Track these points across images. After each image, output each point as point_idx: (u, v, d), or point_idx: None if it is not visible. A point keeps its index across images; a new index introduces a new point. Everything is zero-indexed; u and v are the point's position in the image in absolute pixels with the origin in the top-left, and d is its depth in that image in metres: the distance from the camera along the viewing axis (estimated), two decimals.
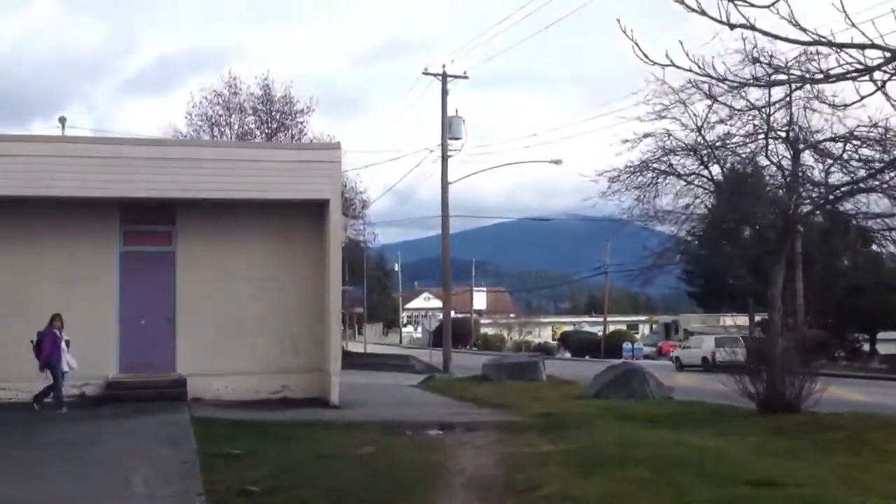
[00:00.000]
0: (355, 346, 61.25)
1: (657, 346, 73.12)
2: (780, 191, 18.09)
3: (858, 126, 16.15)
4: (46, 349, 15.70)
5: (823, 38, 8.76)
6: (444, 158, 39.76)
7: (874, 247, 25.37)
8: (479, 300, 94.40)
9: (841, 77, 9.47)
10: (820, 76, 9.44)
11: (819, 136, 17.64)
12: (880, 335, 49.20)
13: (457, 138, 39.79)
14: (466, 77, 39.96)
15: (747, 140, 17.95)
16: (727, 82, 9.77)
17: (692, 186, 18.16)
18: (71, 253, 17.29)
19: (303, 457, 11.17)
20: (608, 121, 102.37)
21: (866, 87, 8.69)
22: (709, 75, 9.61)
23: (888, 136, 14.30)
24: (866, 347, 49.34)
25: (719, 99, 16.07)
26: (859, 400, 26.43)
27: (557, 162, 39.38)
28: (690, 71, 9.54)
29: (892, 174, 15.72)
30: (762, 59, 9.92)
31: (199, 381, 17.70)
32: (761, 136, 17.53)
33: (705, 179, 18.13)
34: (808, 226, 22.46)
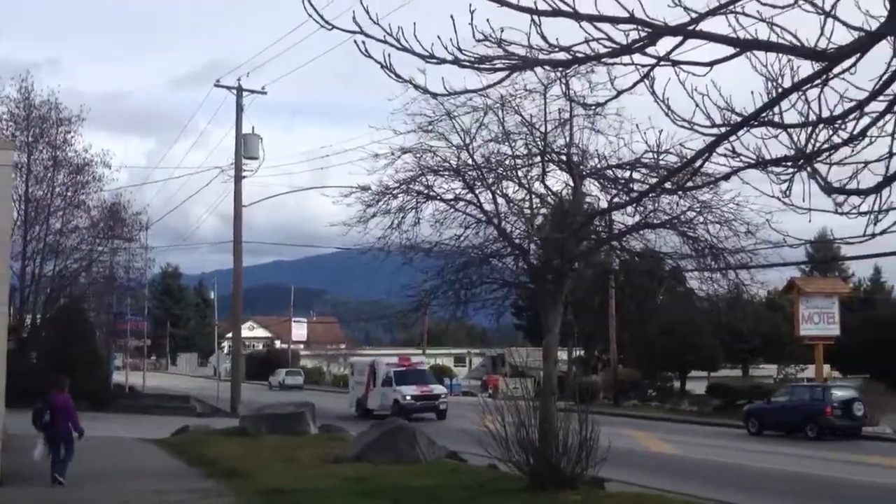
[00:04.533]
0: (153, 380, 55.65)
1: (482, 380, 71.19)
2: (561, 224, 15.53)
3: (646, 152, 13.83)
4: (73, 415, 14.68)
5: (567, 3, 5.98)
6: (238, 179, 36.17)
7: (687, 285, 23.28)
8: (300, 331, 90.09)
9: (586, 59, 6.79)
10: (561, 56, 6.67)
11: (605, 163, 15.29)
12: (691, 374, 48.98)
13: (254, 158, 36.28)
14: (265, 93, 36.63)
15: (525, 163, 15.32)
16: (430, 61, 6.85)
17: (458, 213, 15.30)
18: None
19: None
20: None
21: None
22: (410, 51, 6.73)
23: (662, 158, 11.83)
24: (678, 385, 48.89)
25: (483, 109, 13.35)
26: (664, 453, 24.81)
27: (365, 188, 36.08)
28: (386, 42, 6.69)
29: (675, 206, 13.43)
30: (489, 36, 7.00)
31: None
32: (537, 158, 14.94)
33: (474, 207, 15.32)
34: (622, 264, 20.28)
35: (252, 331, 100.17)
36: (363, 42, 6.42)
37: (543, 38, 6.35)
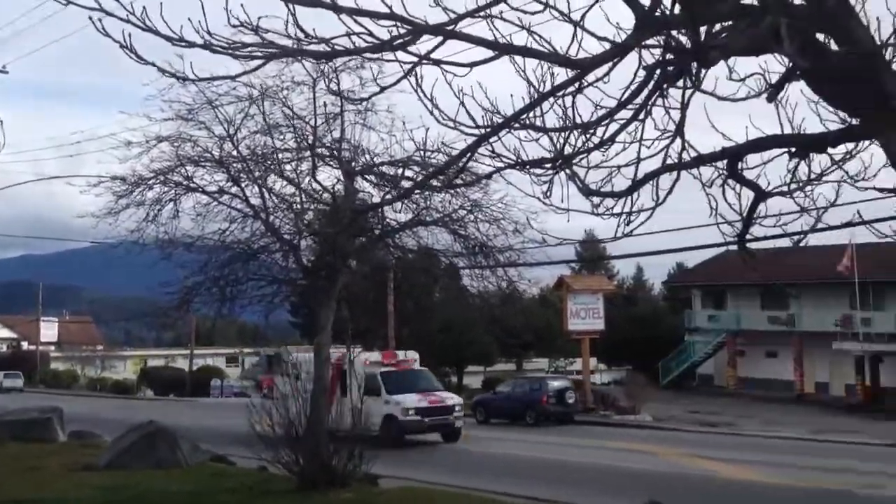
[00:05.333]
0: None
1: (257, 381, 69.12)
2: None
3: (417, 150, 13.87)
4: None
5: None
6: None
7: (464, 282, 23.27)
8: (50, 331, 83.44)
9: (346, 53, 6.59)
10: (321, 48, 6.38)
11: (377, 159, 15.21)
12: (468, 368, 50.53)
13: None
14: (6, 72, 33.16)
15: (294, 157, 14.89)
16: (178, 44, 6.36)
17: (223, 207, 14.61)
18: None
19: None
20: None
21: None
22: (155, 32, 6.21)
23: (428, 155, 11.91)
24: (456, 380, 50.18)
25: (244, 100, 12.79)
26: (442, 446, 24.79)
27: (119, 178, 33.87)
28: (129, 22, 6.13)
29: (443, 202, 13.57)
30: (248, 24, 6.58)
31: None
32: (307, 153, 14.57)
33: (240, 200, 14.69)
34: (398, 261, 20.33)
35: None
36: (100, 20, 5.84)
37: (300, 27, 6.12)
